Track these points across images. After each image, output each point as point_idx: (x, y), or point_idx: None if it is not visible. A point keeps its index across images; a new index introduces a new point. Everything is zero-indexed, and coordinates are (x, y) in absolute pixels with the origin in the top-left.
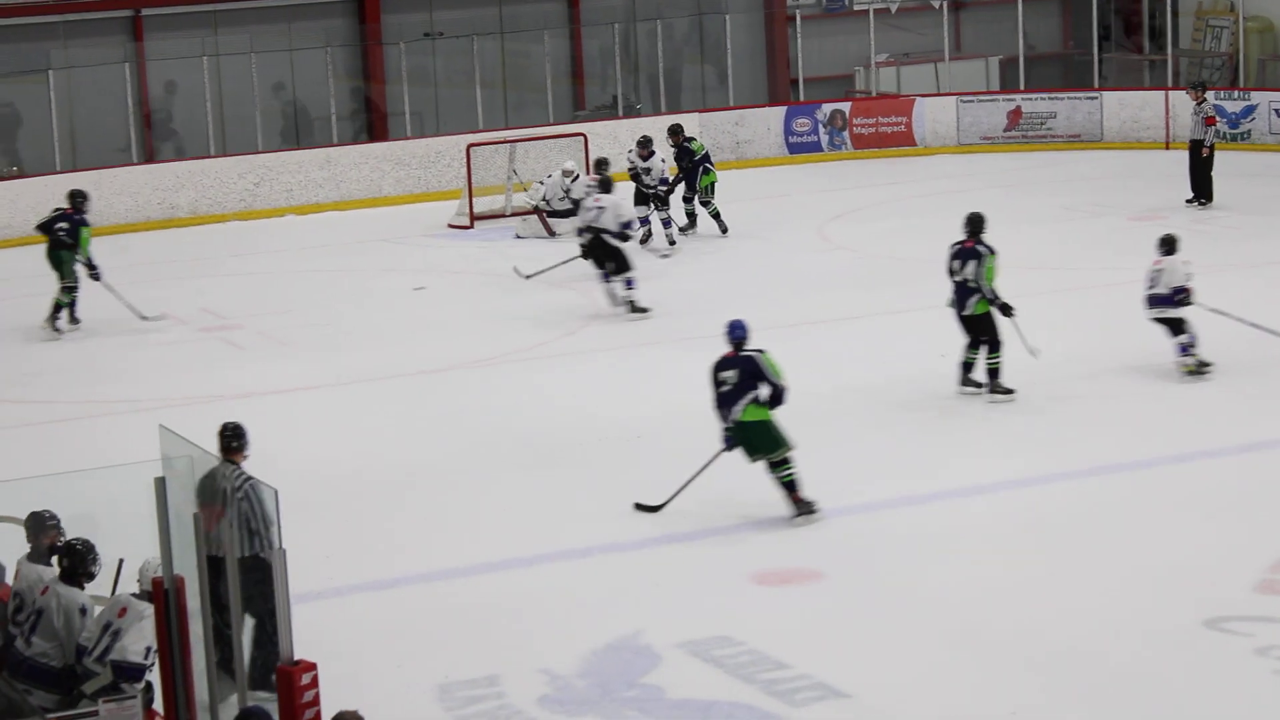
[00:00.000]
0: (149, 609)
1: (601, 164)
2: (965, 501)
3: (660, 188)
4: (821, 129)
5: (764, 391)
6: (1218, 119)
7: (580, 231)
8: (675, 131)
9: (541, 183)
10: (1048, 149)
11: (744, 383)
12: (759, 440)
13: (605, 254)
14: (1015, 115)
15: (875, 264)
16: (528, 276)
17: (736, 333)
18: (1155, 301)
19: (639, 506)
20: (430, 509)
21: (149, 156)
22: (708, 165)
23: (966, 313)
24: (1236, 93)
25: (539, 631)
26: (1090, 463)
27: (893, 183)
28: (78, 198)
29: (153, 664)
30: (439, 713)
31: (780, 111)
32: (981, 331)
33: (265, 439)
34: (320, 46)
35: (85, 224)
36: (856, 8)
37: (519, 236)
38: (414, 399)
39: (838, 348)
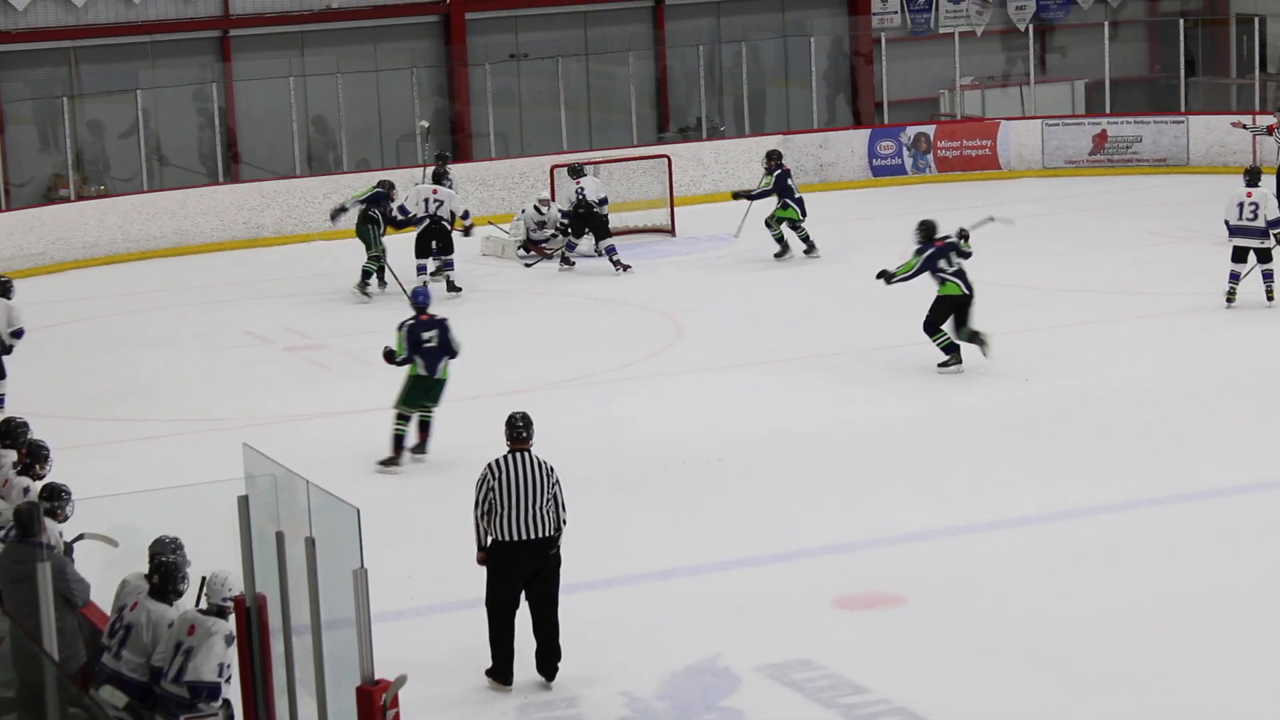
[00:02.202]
0: (218, 625)
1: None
2: (1050, 527)
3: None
4: (906, 152)
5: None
6: None
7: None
8: (768, 157)
9: (523, 210)
10: (1133, 173)
11: (443, 343)
12: (438, 394)
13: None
14: (1101, 139)
15: None
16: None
17: (423, 298)
18: (1248, 232)
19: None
20: None
21: (234, 176)
22: (788, 201)
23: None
24: None
25: (619, 654)
26: (1176, 488)
27: (977, 206)
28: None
29: (228, 679)
30: None
31: (864, 134)
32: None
33: (347, 459)
34: (406, 68)
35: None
36: (941, 31)
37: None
38: (495, 420)
39: (920, 372)
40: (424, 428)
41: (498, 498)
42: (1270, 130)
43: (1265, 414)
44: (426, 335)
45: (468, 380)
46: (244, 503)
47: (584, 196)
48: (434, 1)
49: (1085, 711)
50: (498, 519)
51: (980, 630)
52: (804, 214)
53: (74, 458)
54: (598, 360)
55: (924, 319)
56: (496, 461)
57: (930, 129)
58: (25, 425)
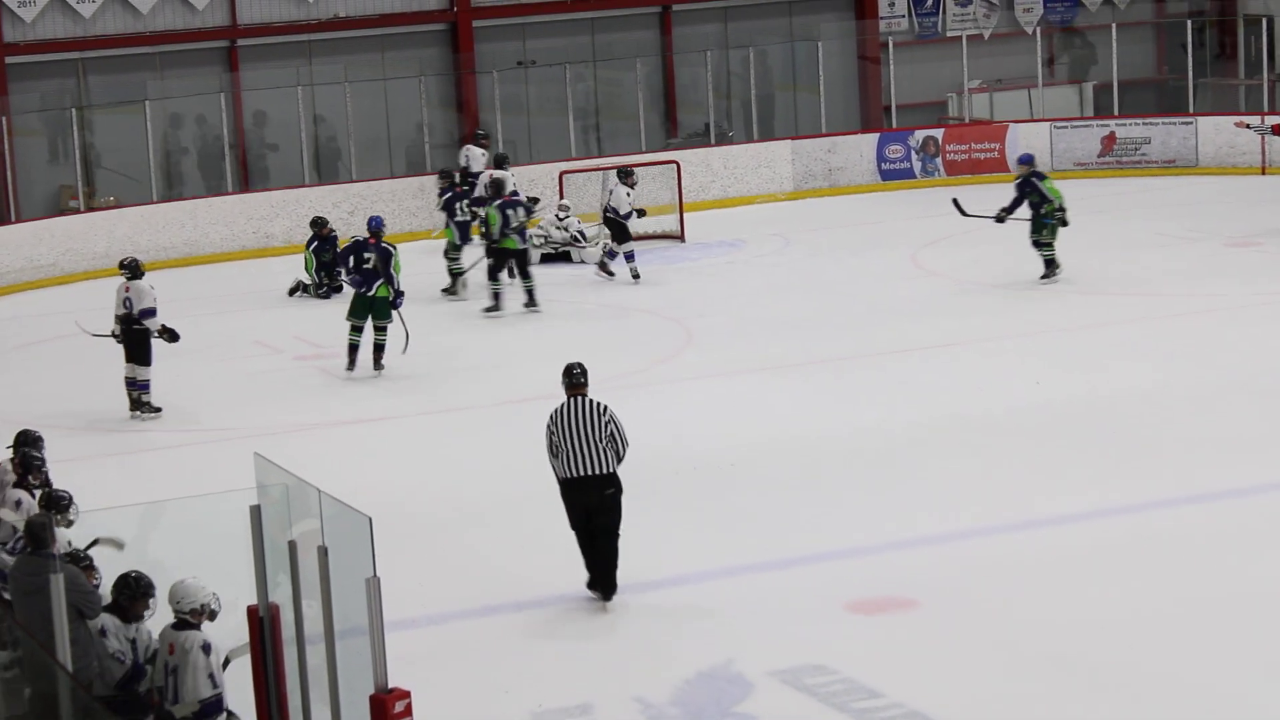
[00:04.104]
0: (190, 638)
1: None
2: (1061, 529)
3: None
4: (914, 155)
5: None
6: None
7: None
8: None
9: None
10: (1142, 174)
11: (381, 266)
12: (381, 310)
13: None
14: (1109, 141)
15: (968, 291)
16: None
17: (375, 224)
18: None
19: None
20: (522, 537)
21: (243, 186)
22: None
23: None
24: None
25: (632, 659)
26: (1187, 490)
27: (987, 210)
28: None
29: (221, 684)
30: None
31: (873, 138)
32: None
33: (359, 467)
34: (414, 76)
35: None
36: (949, 34)
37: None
38: (506, 427)
39: (931, 375)
40: (377, 349)
41: (559, 439)
42: (1276, 130)
43: (1277, 415)
44: (366, 255)
45: (481, 387)
46: (256, 512)
47: (606, 203)
48: (441, 9)
49: (1098, 714)
50: (560, 458)
51: (993, 633)
52: (464, 239)
53: (86, 469)
54: (608, 366)
55: (489, 267)
56: (557, 409)
57: (939, 132)
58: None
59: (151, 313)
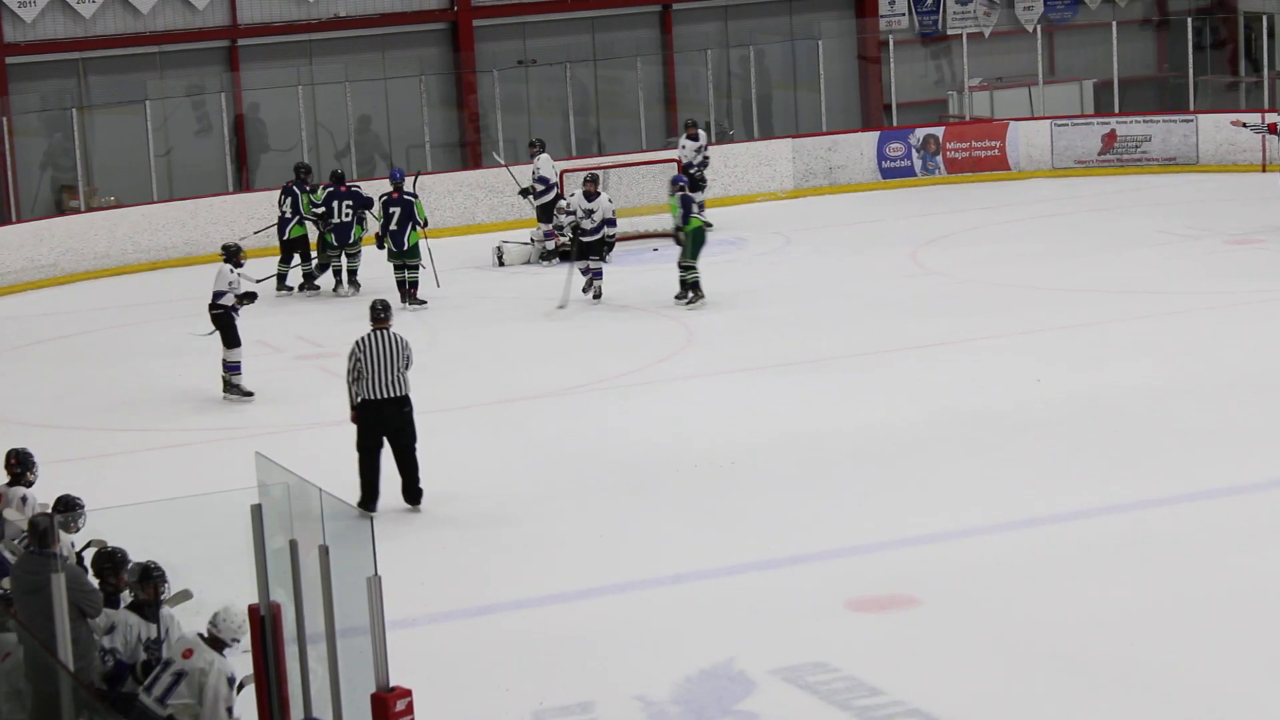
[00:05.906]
0: (219, 662)
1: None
2: (1062, 527)
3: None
4: (915, 154)
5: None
6: None
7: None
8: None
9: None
10: (1142, 172)
11: (405, 217)
12: (412, 254)
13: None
14: (1110, 139)
15: (969, 289)
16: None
17: (399, 175)
18: None
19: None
20: (524, 535)
21: (244, 185)
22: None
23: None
24: None
25: (633, 658)
26: (1189, 487)
27: (986, 207)
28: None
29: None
30: None
31: (873, 136)
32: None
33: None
34: (414, 75)
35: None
36: (950, 32)
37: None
38: (507, 426)
39: (931, 374)
40: (413, 285)
41: (364, 366)
42: (1272, 128)
43: (1278, 412)
44: (392, 210)
45: (481, 387)
46: (257, 511)
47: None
48: (441, 9)
49: (1100, 711)
50: (365, 383)
51: (994, 631)
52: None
53: (87, 469)
54: (609, 365)
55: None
56: (363, 338)
57: (939, 130)
58: None
59: (220, 295)
